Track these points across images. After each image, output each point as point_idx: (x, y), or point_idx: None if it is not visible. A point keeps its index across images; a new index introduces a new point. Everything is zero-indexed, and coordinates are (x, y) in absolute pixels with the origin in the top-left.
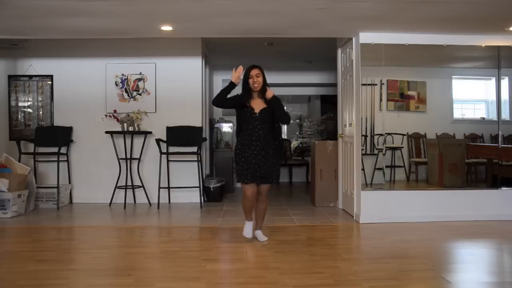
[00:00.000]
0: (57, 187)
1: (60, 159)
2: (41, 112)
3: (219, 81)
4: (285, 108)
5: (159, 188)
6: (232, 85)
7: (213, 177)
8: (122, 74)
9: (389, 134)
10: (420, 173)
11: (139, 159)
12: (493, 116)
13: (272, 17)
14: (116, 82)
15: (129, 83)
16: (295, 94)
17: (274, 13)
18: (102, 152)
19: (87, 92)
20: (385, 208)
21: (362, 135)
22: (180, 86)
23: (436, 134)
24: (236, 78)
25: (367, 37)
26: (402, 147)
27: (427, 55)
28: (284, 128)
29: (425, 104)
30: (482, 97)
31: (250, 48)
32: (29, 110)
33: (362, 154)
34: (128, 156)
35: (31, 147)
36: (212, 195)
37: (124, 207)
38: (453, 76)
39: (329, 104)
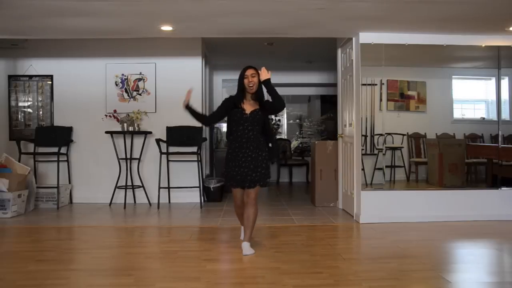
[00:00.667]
0: (57, 187)
1: (60, 159)
2: (41, 112)
3: (219, 81)
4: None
5: (159, 188)
6: (188, 109)
7: (213, 177)
8: (122, 74)
9: (389, 134)
10: (420, 173)
11: (139, 159)
12: (493, 116)
13: (272, 17)
14: (116, 82)
15: (129, 83)
16: (295, 94)
17: (274, 13)
18: (102, 152)
19: (87, 92)
20: (385, 208)
21: (362, 135)
22: (180, 86)
23: (436, 134)
24: (185, 102)
25: (367, 37)
26: (402, 147)
27: (427, 55)
28: (284, 128)
29: (425, 104)
30: (482, 97)
31: (250, 48)
32: (29, 110)
33: (362, 154)
34: (128, 156)
35: (31, 147)
36: (212, 195)
37: (124, 207)
38: (453, 76)
39: (329, 104)
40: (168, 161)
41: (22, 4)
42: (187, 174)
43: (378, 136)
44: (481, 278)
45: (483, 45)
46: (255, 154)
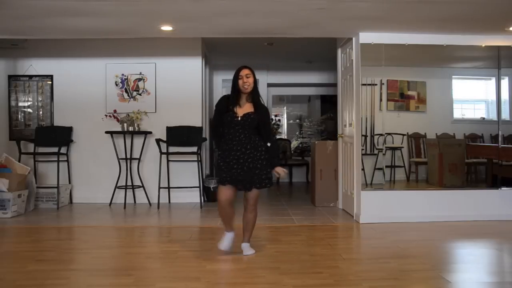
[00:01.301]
0: (57, 187)
1: (60, 159)
2: (41, 112)
3: (219, 81)
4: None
5: (159, 188)
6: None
7: (213, 177)
8: (122, 74)
9: (389, 134)
10: (420, 173)
11: (139, 159)
12: (493, 116)
13: (272, 17)
14: (116, 82)
15: (129, 83)
16: (295, 94)
17: (274, 13)
18: (102, 152)
19: (87, 92)
20: (385, 208)
21: (362, 135)
22: (180, 86)
23: (436, 134)
24: None
25: (367, 37)
26: (402, 147)
27: (427, 55)
28: (284, 128)
29: (425, 104)
30: (482, 97)
31: (250, 48)
32: (29, 110)
33: (362, 154)
34: (128, 156)
35: (31, 147)
36: (212, 195)
37: (124, 207)
38: (453, 76)
39: (329, 104)
40: (168, 161)
41: (22, 4)
42: (187, 174)
43: (378, 136)
44: (481, 278)
45: (483, 45)
46: (249, 155)
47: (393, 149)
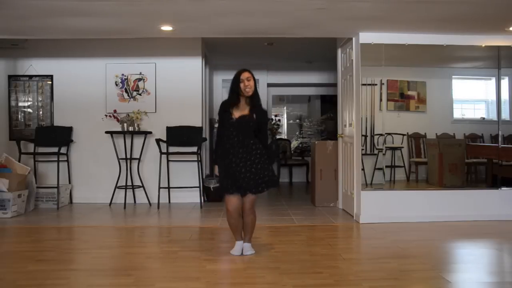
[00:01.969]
0: (57, 187)
1: (60, 159)
2: (41, 112)
3: (219, 81)
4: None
5: (159, 188)
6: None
7: (213, 177)
8: (122, 74)
9: (389, 134)
10: (420, 173)
11: (139, 159)
12: (493, 116)
13: (272, 17)
14: (116, 82)
15: (129, 83)
16: (295, 94)
17: (274, 13)
18: (102, 152)
19: (87, 92)
20: (385, 208)
21: (362, 135)
22: (180, 86)
23: (436, 134)
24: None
25: (367, 37)
26: (402, 147)
27: (427, 55)
28: (284, 128)
29: (425, 104)
30: (482, 97)
31: (250, 48)
32: (29, 110)
33: (362, 154)
34: (128, 156)
35: (31, 147)
36: (212, 195)
37: (124, 207)
38: (453, 76)
39: (329, 104)
40: (168, 161)
41: (22, 4)
42: (187, 174)
43: (378, 136)
44: (481, 278)
45: (483, 45)
46: (241, 159)
47: (393, 149)
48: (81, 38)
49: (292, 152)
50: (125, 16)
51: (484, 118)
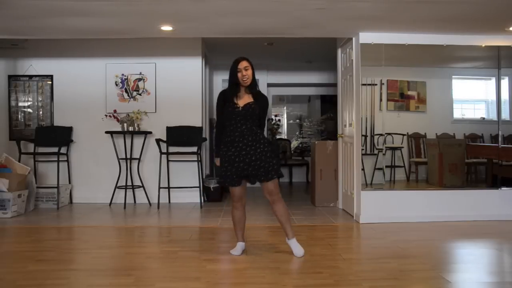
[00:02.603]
0: (57, 187)
1: (60, 159)
2: (41, 112)
3: (219, 81)
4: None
5: (159, 188)
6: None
7: (213, 177)
8: (122, 74)
9: (389, 134)
10: (420, 173)
11: (139, 159)
12: (493, 116)
13: (272, 17)
14: (116, 82)
15: (129, 83)
16: (295, 94)
17: (274, 13)
18: (102, 152)
19: (87, 92)
20: (385, 208)
21: (362, 135)
22: (180, 86)
23: (436, 134)
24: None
25: (367, 37)
26: (402, 147)
27: (427, 55)
28: (284, 128)
29: (425, 104)
30: (482, 97)
31: (250, 48)
32: (29, 110)
33: (362, 154)
34: (128, 156)
35: (31, 147)
36: (212, 195)
37: (124, 207)
38: (453, 76)
39: (329, 104)
40: (168, 161)
41: (22, 4)
42: (187, 174)
43: (378, 136)
44: (481, 278)
45: (483, 45)
46: (251, 147)
47: (393, 149)
48: (81, 38)
49: (292, 152)
50: (125, 16)
51: (484, 118)
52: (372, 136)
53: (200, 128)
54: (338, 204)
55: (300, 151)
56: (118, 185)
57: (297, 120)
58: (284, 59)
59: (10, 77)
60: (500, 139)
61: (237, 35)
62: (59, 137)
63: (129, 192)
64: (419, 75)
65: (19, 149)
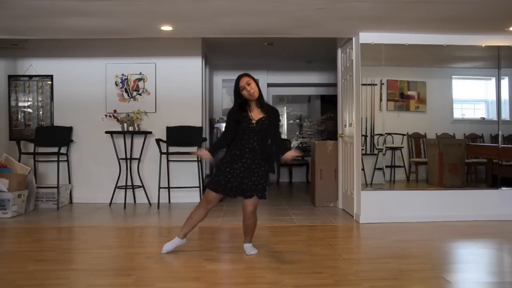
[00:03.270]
0: (57, 187)
1: (60, 159)
2: (41, 112)
3: (219, 81)
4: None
5: (159, 188)
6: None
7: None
8: (122, 74)
9: (389, 134)
10: (420, 173)
11: (139, 159)
12: (493, 116)
13: (272, 17)
14: (116, 82)
15: (129, 83)
16: (295, 94)
17: (274, 13)
18: (102, 152)
19: (87, 92)
20: (385, 208)
21: (362, 135)
22: (180, 86)
23: (436, 134)
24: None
25: (367, 37)
26: (402, 147)
27: (427, 55)
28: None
29: (425, 104)
30: (482, 97)
31: (250, 48)
32: (29, 110)
33: (362, 154)
34: (128, 156)
35: (31, 147)
36: None
37: (124, 207)
38: (453, 76)
39: (329, 104)
40: (168, 161)
41: (22, 4)
42: (187, 174)
43: (378, 136)
44: (481, 278)
45: (483, 45)
46: (256, 165)
47: (393, 149)
48: (81, 38)
49: None
50: (125, 16)
51: (484, 118)
52: (372, 136)
53: (200, 128)
54: (338, 204)
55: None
56: (118, 185)
57: (297, 120)
58: (284, 59)
59: (10, 77)
60: (500, 139)
61: (237, 35)
62: (59, 137)
63: (129, 192)
64: (419, 75)
65: (19, 149)
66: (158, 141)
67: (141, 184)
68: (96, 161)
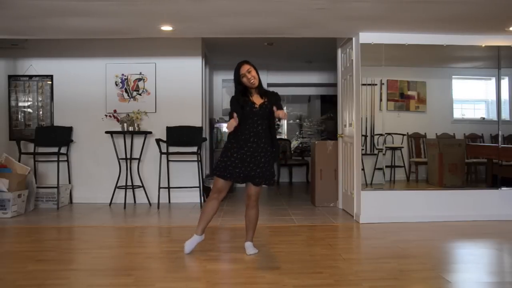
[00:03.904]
0: (57, 187)
1: (60, 159)
2: (41, 112)
3: (219, 81)
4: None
5: (159, 188)
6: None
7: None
8: (122, 74)
9: (389, 134)
10: (420, 173)
11: (139, 159)
12: (493, 116)
13: (272, 17)
14: (116, 82)
15: (129, 83)
16: (295, 94)
17: (274, 13)
18: (102, 152)
19: (87, 92)
20: (385, 208)
21: (362, 135)
22: (180, 86)
23: (436, 134)
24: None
25: (367, 37)
26: (402, 147)
27: (427, 55)
28: (284, 128)
29: (425, 104)
30: (482, 97)
31: (250, 48)
32: (29, 110)
33: (362, 154)
34: (128, 156)
35: (31, 147)
36: None
37: (124, 207)
38: (453, 76)
39: (329, 104)
40: (168, 161)
41: (22, 4)
42: (187, 174)
43: (378, 136)
44: (481, 278)
45: (483, 45)
46: (263, 149)
47: (393, 149)
48: (81, 38)
49: (292, 152)
50: (125, 16)
51: (484, 118)
52: (372, 136)
53: (200, 128)
54: (338, 204)
55: (300, 151)
56: (118, 185)
57: (297, 120)
58: (284, 59)
59: (10, 77)
60: (500, 139)
61: (237, 35)
62: (59, 137)
63: (129, 192)
64: (419, 75)
65: (19, 149)
66: (158, 141)
67: (141, 184)
68: (96, 161)
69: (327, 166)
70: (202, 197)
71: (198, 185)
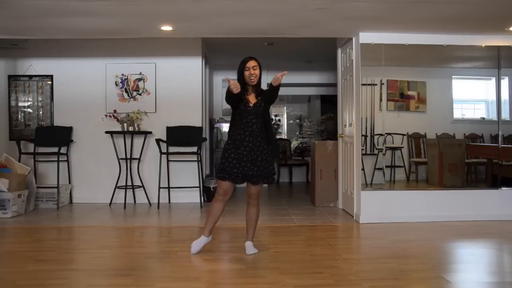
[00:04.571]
0: (57, 187)
1: (60, 159)
2: (41, 112)
3: (219, 81)
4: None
5: (159, 188)
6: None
7: (213, 177)
8: (122, 74)
9: (389, 134)
10: (420, 173)
11: (139, 159)
12: (493, 116)
13: (272, 17)
14: (116, 82)
15: (129, 83)
16: (295, 94)
17: (274, 13)
18: (102, 152)
19: (87, 92)
20: (385, 208)
21: (362, 135)
22: (180, 86)
23: (436, 134)
24: (235, 87)
25: (367, 37)
26: (402, 147)
27: (427, 55)
28: (284, 128)
29: (425, 104)
30: (482, 97)
31: (250, 48)
32: (29, 110)
33: (362, 154)
34: (128, 156)
35: (31, 147)
36: (212, 195)
37: (124, 207)
38: (453, 76)
39: (329, 104)
40: (168, 161)
41: (22, 4)
42: (187, 174)
43: (378, 136)
44: (481, 278)
45: (483, 45)
46: (259, 148)
47: (393, 149)
48: (81, 38)
49: (292, 152)
50: (125, 16)
51: (484, 118)
52: (372, 136)
53: (200, 128)
54: (338, 204)
55: (300, 151)
56: (118, 185)
57: (297, 120)
58: (284, 59)
59: (10, 77)
60: (500, 139)
61: (237, 35)
62: (59, 137)
63: (129, 192)
64: (419, 75)
65: (19, 149)
66: (158, 141)
67: (141, 184)
68: (96, 161)
69: (327, 166)
70: (202, 197)
71: (198, 185)
